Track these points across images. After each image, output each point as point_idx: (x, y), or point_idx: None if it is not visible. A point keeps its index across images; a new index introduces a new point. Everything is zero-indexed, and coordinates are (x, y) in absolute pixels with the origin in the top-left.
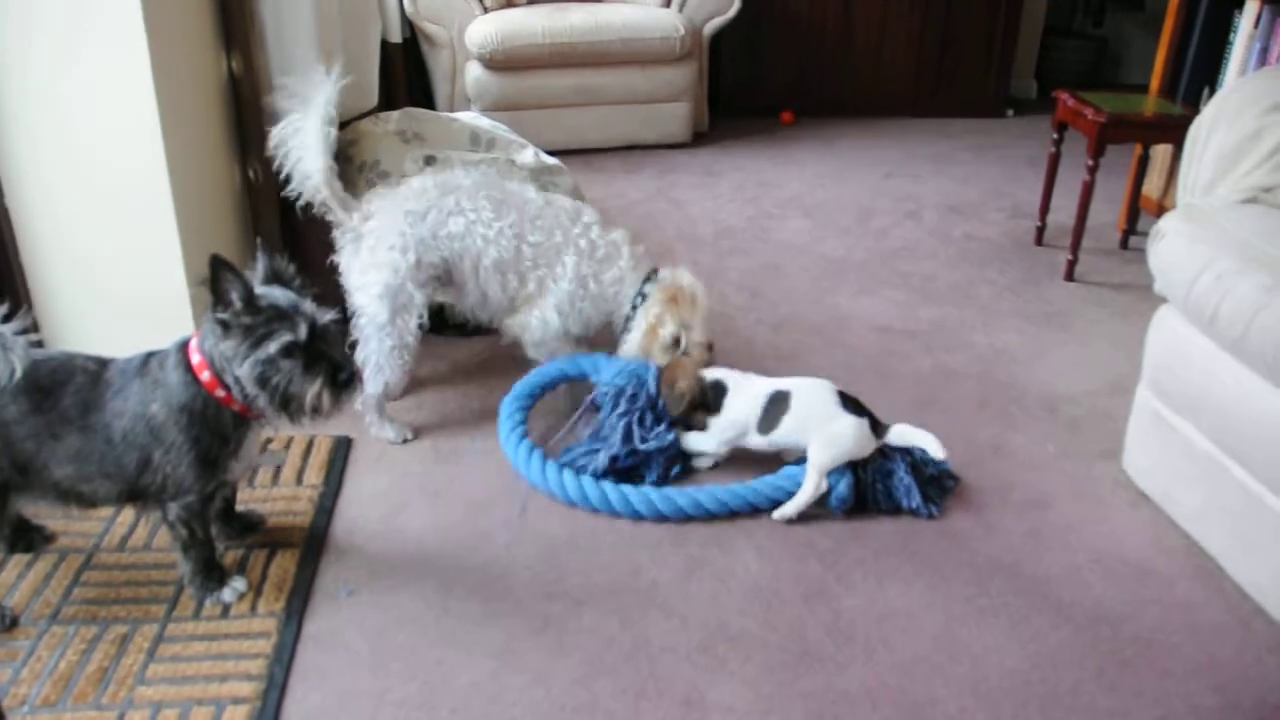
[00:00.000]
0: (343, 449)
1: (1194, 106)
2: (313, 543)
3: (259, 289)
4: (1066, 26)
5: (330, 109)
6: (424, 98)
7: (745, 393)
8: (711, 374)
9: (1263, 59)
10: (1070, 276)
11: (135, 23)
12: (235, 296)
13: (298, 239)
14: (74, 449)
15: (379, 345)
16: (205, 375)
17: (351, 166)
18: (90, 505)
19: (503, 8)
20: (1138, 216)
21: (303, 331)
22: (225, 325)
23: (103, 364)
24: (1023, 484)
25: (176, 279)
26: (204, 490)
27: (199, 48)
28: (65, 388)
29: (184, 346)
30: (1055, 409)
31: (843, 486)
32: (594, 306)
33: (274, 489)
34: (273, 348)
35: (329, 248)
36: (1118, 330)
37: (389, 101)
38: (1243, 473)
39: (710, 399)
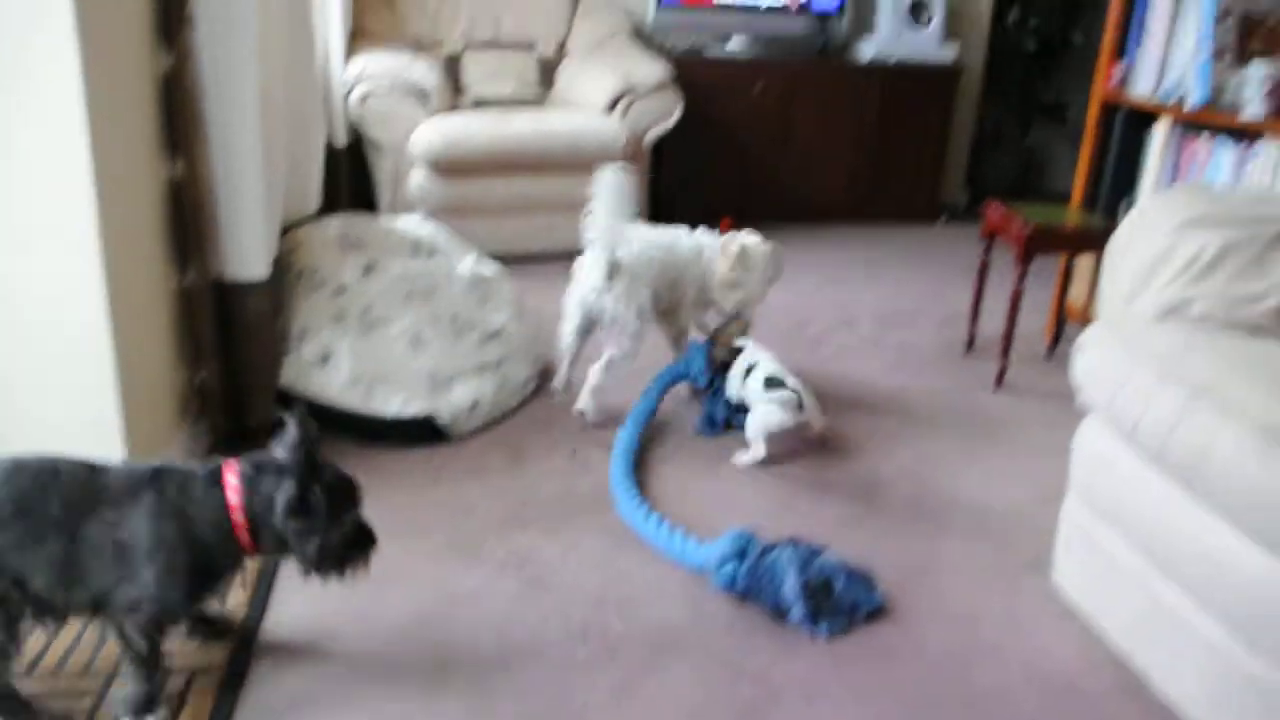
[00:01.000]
0: (269, 567)
1: (1113, 218)
2: (235, 668)
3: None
4: (995, 138)
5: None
6: (367, 201)
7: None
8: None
9: (1174, 174)
10: (1000, 384)
11: (78, 125)
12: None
13: (235, 347)
14: (56, 556)
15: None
16: (238, 516)
17: (291, 273)
18: (61, 617)
19: (447, 113)
20: (1064, 324)
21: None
22: (304, 493)
23: (93, 469)
24: (953, 596)
25: (107, 390)
26: (184, 612)
27: (143, 152)
28: (50, 491)
29: (217, 475)
30: (985, 519)
31: (729, 569)
32: None
33: None
34: (346, 525)
35: (268, 352)
36: (1046, 439)
37: (332, 205)
38: (1170, 585)
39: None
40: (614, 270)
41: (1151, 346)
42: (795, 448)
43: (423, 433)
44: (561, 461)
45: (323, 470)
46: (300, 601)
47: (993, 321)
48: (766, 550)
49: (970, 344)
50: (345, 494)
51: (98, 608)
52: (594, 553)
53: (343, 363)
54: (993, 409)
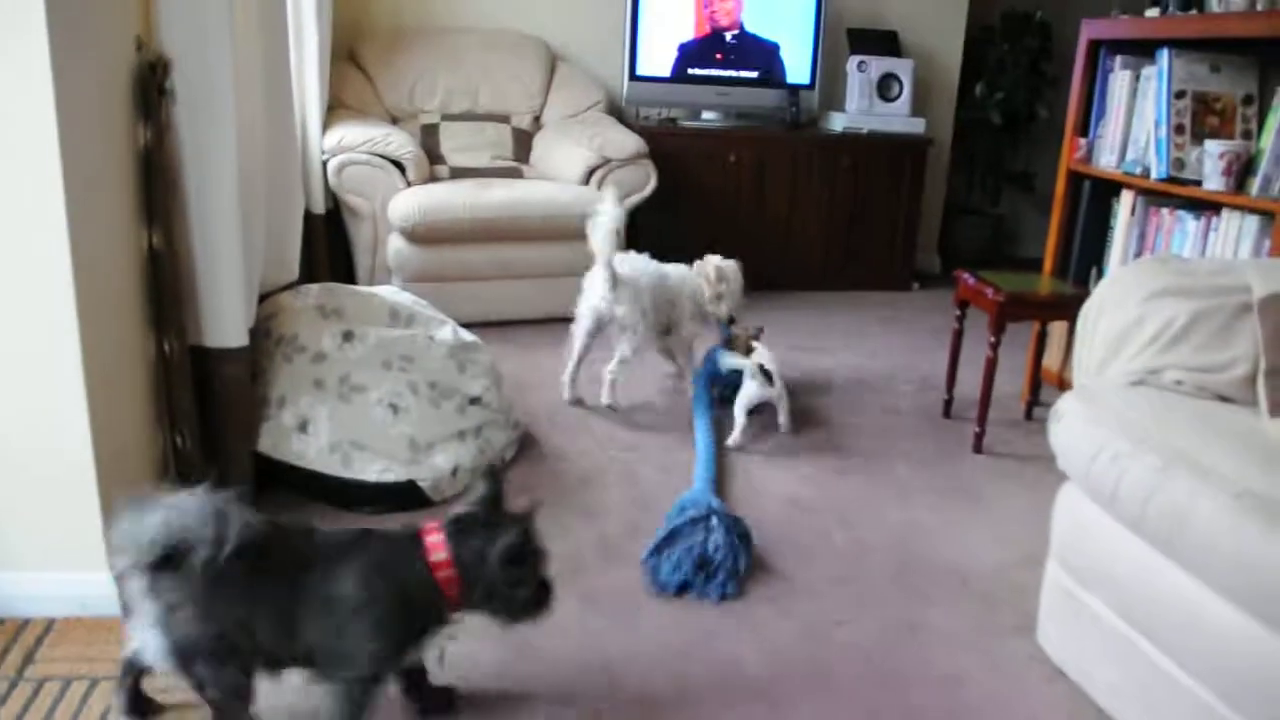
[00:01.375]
0: None
1: (1084, 285)
2: None
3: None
4: (966, 205)
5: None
6: (346, 266)
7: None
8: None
9: (1140, 243)
10: (979, 449)
11: (55, 196)
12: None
13: (212, 413)
14: (277, 607)
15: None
16: (448, 571)
17: (269, 340)
18: (276, 670)
19: (425, 182)
20: (1039, 388)
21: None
22: (527, 544)
23: (309, 530)
24: (939, 660)
25: (84, 458)
26: (388, 670)
27: (120, 222)
28: (274, 547)
29: (417, 535)
30: (968, 583)
31: (668, 569)
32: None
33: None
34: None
35: (246, 421)
36: (1026, 502)
37: (310, 270)
38: (1152, 648)
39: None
40: (615, 281)
41: (1125, 414)
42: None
43: (403, 498)
44: (541, 527)
45: (523, 523)
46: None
47: (969, 385)
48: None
49: (948, 408)
50: (535, 542)
51: (311, 661)
52: (575, 619)
53: (321, 429)
54: (973, 472)
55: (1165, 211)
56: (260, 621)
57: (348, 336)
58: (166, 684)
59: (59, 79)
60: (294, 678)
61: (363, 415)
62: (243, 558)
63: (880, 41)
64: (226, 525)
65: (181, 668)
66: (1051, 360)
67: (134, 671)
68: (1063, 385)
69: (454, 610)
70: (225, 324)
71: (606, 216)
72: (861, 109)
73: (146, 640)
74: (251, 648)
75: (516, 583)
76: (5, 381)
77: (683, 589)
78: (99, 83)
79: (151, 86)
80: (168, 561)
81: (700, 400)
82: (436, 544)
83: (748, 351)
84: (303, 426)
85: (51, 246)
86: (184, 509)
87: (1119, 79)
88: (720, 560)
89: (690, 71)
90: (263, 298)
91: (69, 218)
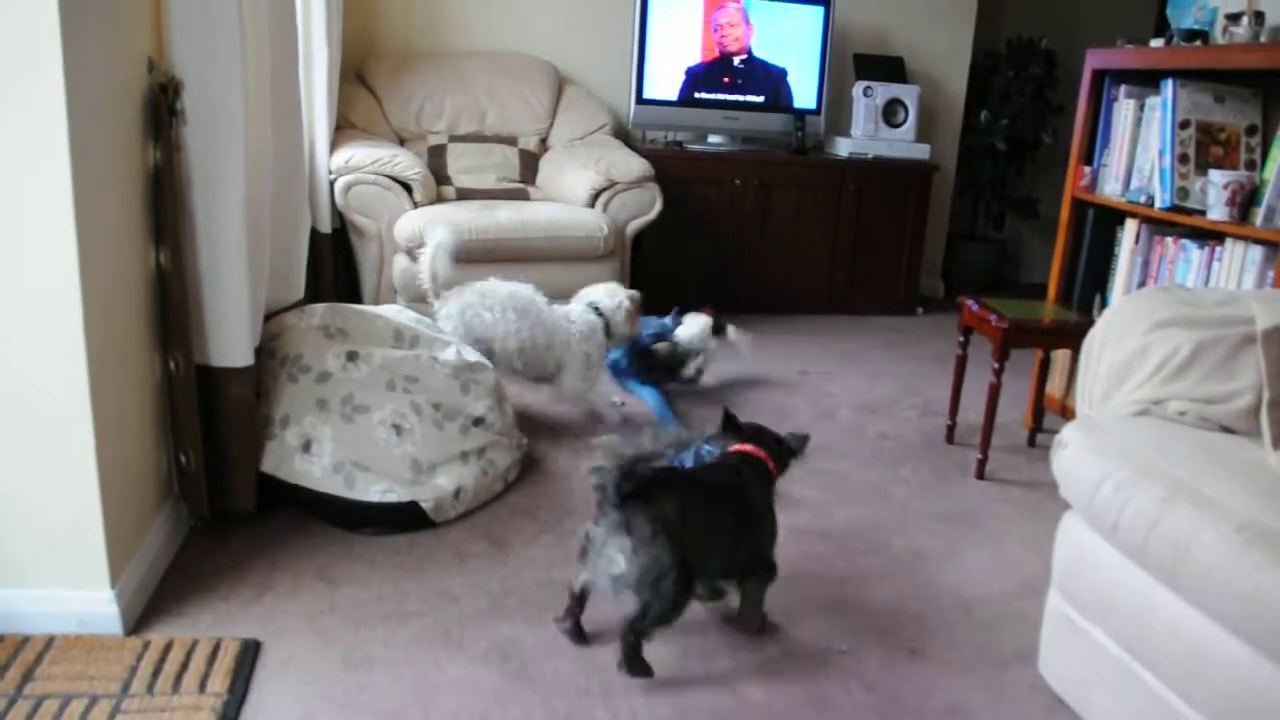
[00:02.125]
0: (250, 654)
1: (1088, 312)
2: None
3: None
4: (970, 231)
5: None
6: (351, 286)
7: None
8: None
9: (1144, 271)
10: (981, 475)
11: (65, 214)
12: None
13: (217, 432)
14: (731, 527)
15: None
16: (771, 464)
17: (274, 360)
18: (729, 577)
19: (432, 203)
20: (1043, 415)
21: None
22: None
23: (713, 465)
24: (940, 689)
25: (88, 475)
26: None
27: (128, 241)
28: (716, 482)
29: (750, 454)
30: (970, 610)
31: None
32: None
33: (174, 697)
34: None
35: (250, 438)
36: (1028, 529)
37: (316, 289)
38: (1154, 679)
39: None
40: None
41: (1128, 445)
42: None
43: (406, 519)
44: (544, 550)
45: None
46: (280, 691)
47: (972, 411)
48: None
49: (951, 434)
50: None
51: (746, 571)
52: (576, 644)
53: (325, 449)
54: (975, 499)
55: (1169, 240)
56: (719, 542)
57: (352, 357)
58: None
59: (72, 99)
60: None
61: (366, 436)
62: (702, 489)
63: (886, 67)
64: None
65: (646, 590)
66: (1055, 387)
67: (581, 601)
68: (1065, 412)
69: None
70: (231, 343)
71: (433, 243)
72: (867, 134)
73: (609, 569)
74: (705, 569)
75: (795, 452)
76: (13, 398)
77: None
78: (111, 103)
79: (162, 107)
80: (645, 496)
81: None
82: (756, 450)
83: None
84: (306, 446)
85: (61, 264)
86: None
87: (1123, 108)
88: None
89: (697, 95)
90: (268, 317)
91: (79, 236)
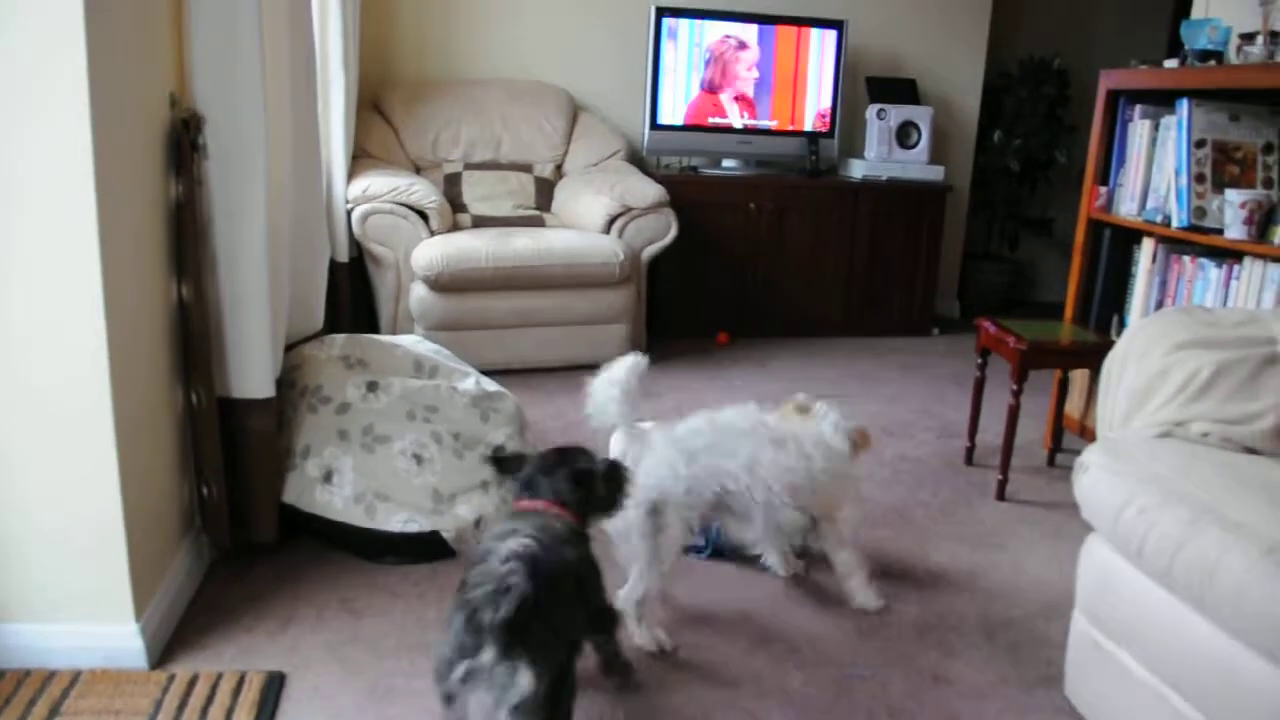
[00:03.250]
0: (275, 686)
1: (1106, 333)
2: None
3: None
4: (985, 250)
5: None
6: (368, 315)
7: None
8: None
9: (1162, 290)
10: (1001, 496)
11: (90, 249)
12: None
13: (239, 464)
14: (573, 599)
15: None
16: (567, 513)
17: (294, 391)
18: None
19: (448, 231)
20: (1062, 435)
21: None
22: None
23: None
24: (965, 714)
25: (112, 509)
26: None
27: (151, 274)
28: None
29: (545, 512)
30: (994, 634)
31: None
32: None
33: None
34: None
35: (271, 472)
36: (1050, 550)
37: (334, 317)
38: (1181, 702)
39: None
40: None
41: (1151, 467)
42: None
43: (427, 548)
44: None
45: (563, 453)
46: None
47: (991, 432)
48: None
49: (970, 455)
50: (588, 459)
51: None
52: (594, 672)
53: (346, 480)
54: (996, 520)
55: (1187, 259)
56: (577, 629)
57: (372, 387)
58: None
59: (98, 135)
60: None
61: (387, 466)
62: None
63: (899, 90)
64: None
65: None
66: (1073, 406)
67: None
68: (1085, 432)
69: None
70: (252, 375)
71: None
72: (881, 156)
73: (506, 699)
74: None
75: (617, 487)
76: (37, 432)
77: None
78: (135, 139)
79: (184, 142)
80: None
81: None
82: (545, 504)
83: None
84: (327, 477)
85: (86, 298)
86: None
87: (1138, 128)
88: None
89: (710, 121)
90: (288, 348)
91: (104, 270)
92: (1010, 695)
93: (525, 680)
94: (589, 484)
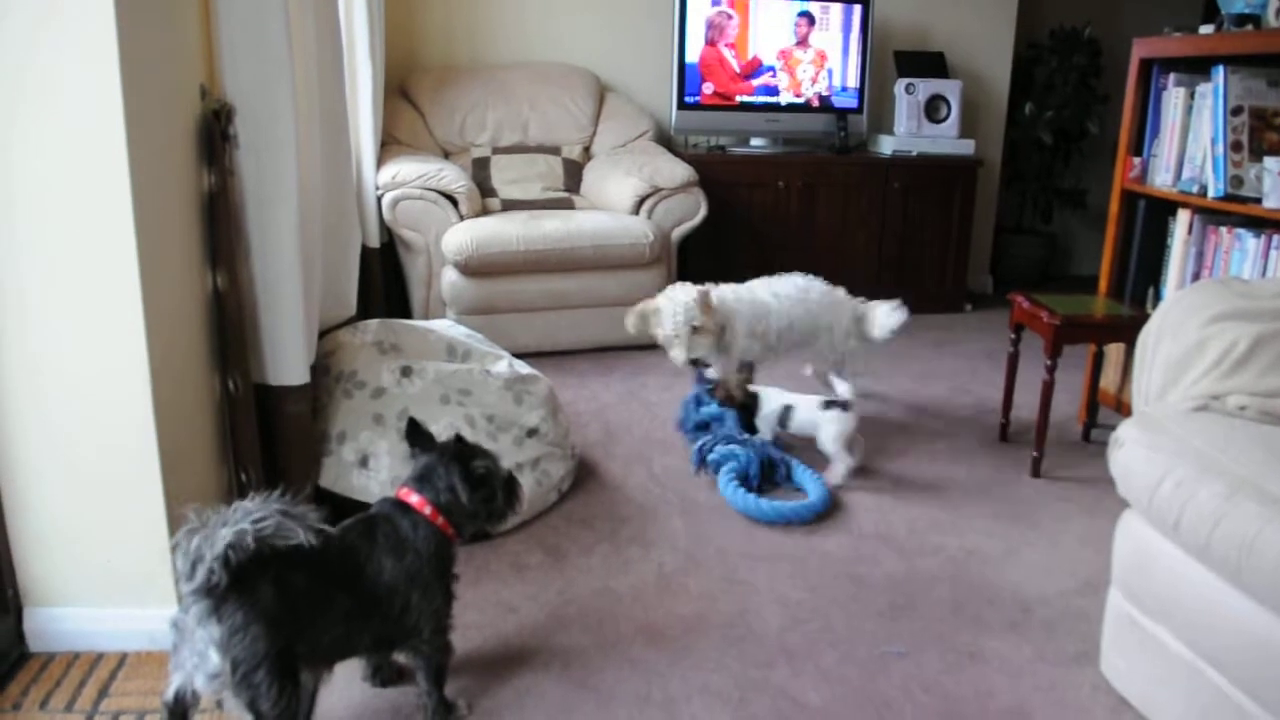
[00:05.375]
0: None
1: (1141, 306)
2: None
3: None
4: (1017, 224)
5: None
6: (400, 300)
7: (770, 403)
8: (752, 388)
9: (1199, 262)
10: (1037, 473)
11: (127, 240)
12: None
13: (275, 449)
14: (348, 611)
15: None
16: (439, 520)
17: (329, 376)
18: (345, 658)
19: (478, 215)
20: (1097, 410)
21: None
22: (468, 469)
23: (327, 535)
24: (1001, 691)
25: (154, 496)
26: (451, 619)
27: (186, 265)
28: (328, 556)
29: (405, 506)
30: (1029, 611)
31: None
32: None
33: None
34: (504, 475)
35: (308, 457)
36: (1086, 527)
37: (366, 302)
38: (1219, 677)
39: (751, 403)
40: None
41: (1188, 441)
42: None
43: None
44: (601, 559)
45: (463, 448)
46: (339, 704)
47: (1025, 408)
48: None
49: (1004, 432)
50: (483, 454)
51: (385, 645)
52: (633, 652)
53: (382, 464)
54: (1031, 497)
55: (1224, 230)
56: (328, 626)
57: (406, 372)
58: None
59: (131, 128)
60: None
61: None
62: (306, 566)
63: (928, 63)
64: (301, 522)
65: (243, 689)
66: (1108, 381)
67: (180, 711)
68: (1120, 407)
69: (456, 543)
70: (287, 362)
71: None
72: (910, 131)
73: (203, 667)
74: (315, 654)
75: (488, 499)
76: (80, 421)
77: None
78: (167, 131)
79: (215, 132)
80: (237, 578)
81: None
82: (420, 503)
83: (750, 398)
84: (363, 461)
85: (124, 289)
86: (251, 512)
87: (1173, 96)
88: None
89: (739, 99)
90: (322, 334)
91: (140, 261)
92: (1046, 672)
93: (214, 654)
94: (487, 490)
